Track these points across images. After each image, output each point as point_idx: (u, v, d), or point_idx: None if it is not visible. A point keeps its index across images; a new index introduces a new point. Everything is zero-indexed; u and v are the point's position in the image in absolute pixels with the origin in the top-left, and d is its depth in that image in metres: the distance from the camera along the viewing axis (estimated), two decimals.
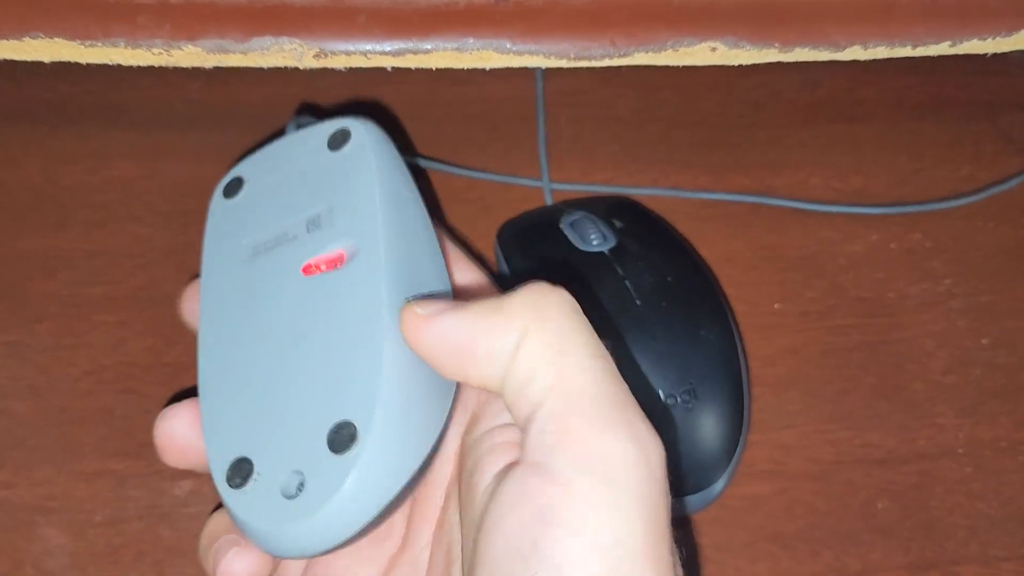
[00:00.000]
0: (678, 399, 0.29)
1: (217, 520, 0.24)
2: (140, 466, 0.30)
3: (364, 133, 0.24)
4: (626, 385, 0.20)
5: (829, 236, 0.37)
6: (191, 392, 0.24)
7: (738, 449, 0.30)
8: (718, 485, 0.29)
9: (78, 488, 0.29)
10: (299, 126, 0.27)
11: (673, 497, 0.29)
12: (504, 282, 0.30)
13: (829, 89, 0.41)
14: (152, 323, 0.32)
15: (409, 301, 0.21)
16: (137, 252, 0.34)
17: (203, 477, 0.30)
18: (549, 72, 0.37)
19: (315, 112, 0.36)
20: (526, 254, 0.32)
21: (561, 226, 0.32)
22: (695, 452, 0.29)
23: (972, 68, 0.41)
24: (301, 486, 0.20)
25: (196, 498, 0.30)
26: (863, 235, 0.37)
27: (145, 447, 0.30)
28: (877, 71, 0.41)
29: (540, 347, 0.19)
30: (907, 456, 0.32)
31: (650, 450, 0.19)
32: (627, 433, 0.19)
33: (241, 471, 0.21)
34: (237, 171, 0.27)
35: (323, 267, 0.23)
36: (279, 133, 0.28)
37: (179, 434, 0.23)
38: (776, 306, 0.35)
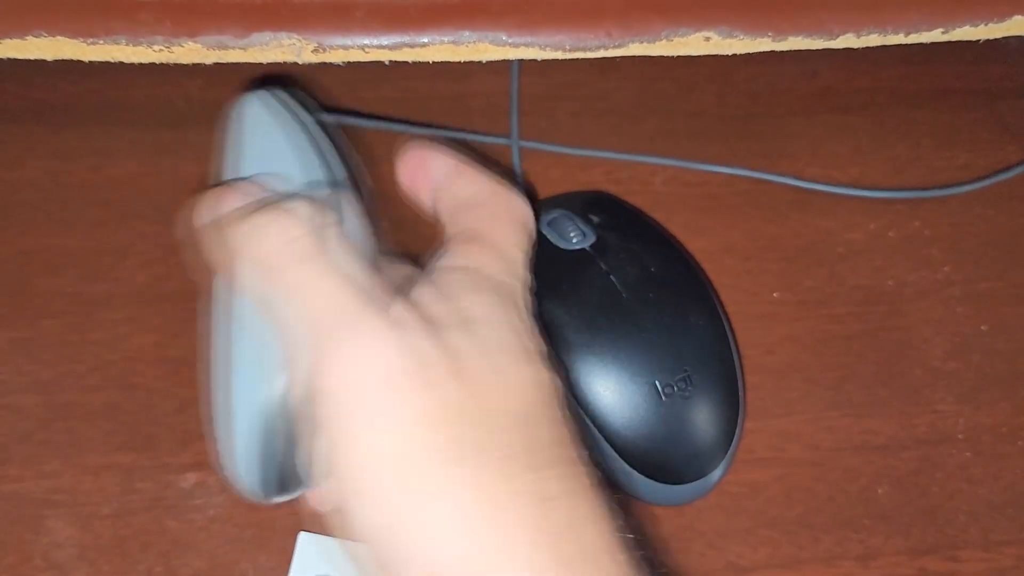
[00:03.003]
0: (675, 388, 0.29)
1: None
2: (146, 459, 0.30)
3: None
4: None
5: (827, 225, 0.37)
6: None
7: (736, 434, 0.30)
8: (717, 472, 0.30)
9: (85, 481, 0.30)
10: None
11: (674, 484, 0.29)
12: None
13: (827, 79, 0.41)
14: (156, 319, 0.33)
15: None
16: (141, 249, 0.34)
17: (209, 470, 0.30)
18: (546, 65, 0.37)
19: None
20: None
21: (540, 226, 0.32)
22: (695, 440, 0.29)
23: (969, 57, 0.41)
24: None
25: (201, 490, 0.30)
26: (861, 224, 0.37)
27: (151, 440, 0.31)
28: (874, 60, 0.41)
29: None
30: (907, 442, 0.32)
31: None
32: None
33: None
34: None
35: None
36: None
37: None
38: (775, 295, 0.35)
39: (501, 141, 0.37)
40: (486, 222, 0.24)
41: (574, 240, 0.31)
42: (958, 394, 0.34)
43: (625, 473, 0.29)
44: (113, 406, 0.31)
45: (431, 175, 0.25)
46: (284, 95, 0.28)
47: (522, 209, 0.25)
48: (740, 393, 0.30)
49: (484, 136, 0.37)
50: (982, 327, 0.35)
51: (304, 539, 0.29)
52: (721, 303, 0.32)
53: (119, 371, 0.32)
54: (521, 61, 0.37)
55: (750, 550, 0.30)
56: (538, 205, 0.34)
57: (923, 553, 0.30)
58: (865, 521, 0.31)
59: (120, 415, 0.31)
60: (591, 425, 0.29)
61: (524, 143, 0.37)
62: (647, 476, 0.29)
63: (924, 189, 0.38)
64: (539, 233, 0.31)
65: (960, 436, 0.33)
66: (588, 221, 0.32)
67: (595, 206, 0.33)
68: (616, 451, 0.29)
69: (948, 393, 0.34)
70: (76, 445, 0.30)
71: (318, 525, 0.29)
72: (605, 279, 0.30)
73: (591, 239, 0.31)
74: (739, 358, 0.31)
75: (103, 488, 0.30)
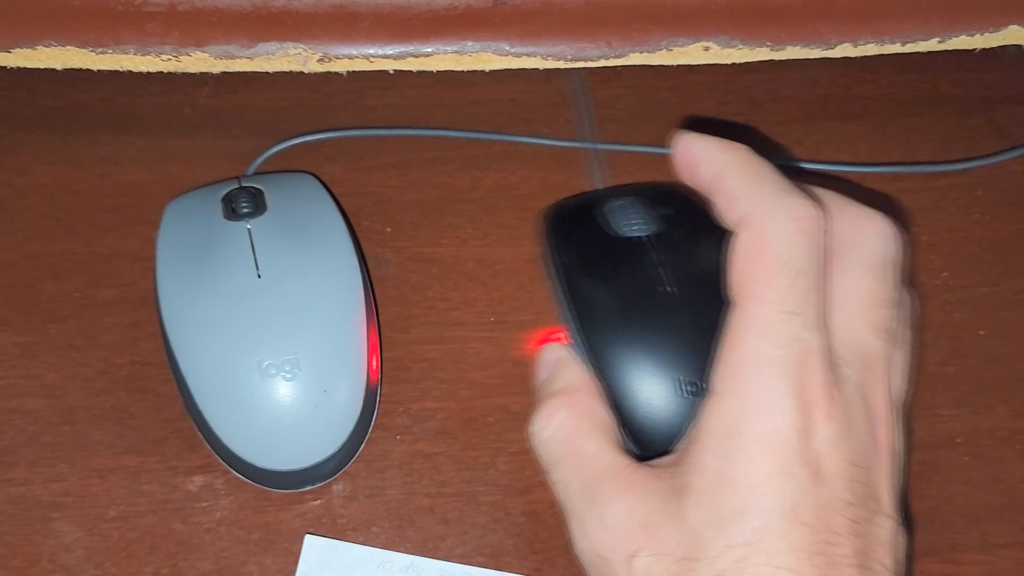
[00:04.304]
0: (700, 387, 0.29)
1: None
2: (153, 462, 0.31)
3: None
4: None
5: None
6: None
7: None
8: None
9: (92, 484, 0.30)
10: None
11: None
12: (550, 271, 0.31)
13: (826, 87, 0.41)
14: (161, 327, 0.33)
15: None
16: (148, 255, 0.34)
17: (215, 472, 0.30)
18: (550, 74, 0.38)
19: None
20: (566, 235, 0.32)
21: (605, 210, 0.32)
22: None
23: (967, 65, 0.42)
24: None
25: (208, 492, 0.30)
26: None
27: (158, 443, 0.31)
28: (873, 69, 0.41)
29: None
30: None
31: None
32: None
33: None
34: None
35: None
36: None
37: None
38: None
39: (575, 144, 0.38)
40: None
41: (634, 227, 0.31)
42: (956, 398, 0.34)
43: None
44: (120, 410, 0.32)
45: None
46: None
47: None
48: None
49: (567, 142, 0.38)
50: (980, 332, 0.35)
51: (310, 542, 0.29)
52: None
53: (126, 375, 0.32)
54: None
55: None
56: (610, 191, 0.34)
57: (922, 556, 0.31)
58: None
59: (127, 419, 0.31)
60: (614, 407, 0.29)
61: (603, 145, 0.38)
62: None
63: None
64: (602, 216, 0.32)
65: (958, 440, 0.33)
66: (654, 212, 0.32)
67: (668, 200, 0.33)
68: (634, 442, 0.29)
69: (946, 397, 0.34)
70: (83, 448, 0.31)
71: (324, 527, 0.30)
72: (654, 270, 0.30)
73: (651, 229, 0.31)
74: None
75: (110, 491, 0.30)
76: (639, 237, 0.31)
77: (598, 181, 0.37)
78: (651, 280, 0.30)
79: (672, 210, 0.32)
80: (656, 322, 0.30)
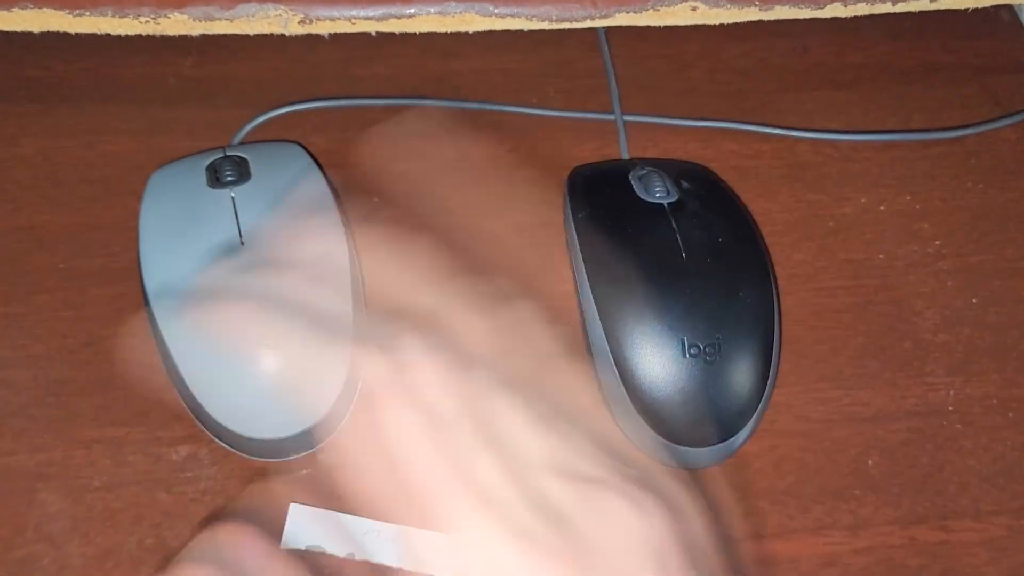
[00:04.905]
0: (702, 350, 0.29)
1: None
2: (137, 433, 0.30)
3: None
4: None
5: (818, 199, 0.37)
6: None
7: (758, 409, 0.30)
8: (725, 443, 0.30)
9: (77, 455, 0.30)
10: None
11: (684, 446, 0.29)
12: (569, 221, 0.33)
13: (818, 55, 0.41)
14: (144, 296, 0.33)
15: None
16: (133, 225, 0.34)
17: (200, 442, 0.30)
18: (538, 42, 0.37)
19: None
20: (590, 197, 0.34)
21: (629, 177, 0.33)
22: (711, 405, 0.29)
23: (959, 32, 0.41)
24: None
25: (192, 463, 0.30)
26: (852, 198, 0.37)
27: (142, 414, 0.31)
28: (865, 36, 0.41)
29: None
30: (897, 414, 0.33)
31: None
32: None
33: None
34: None
35: None
36: None
37: None
38: None
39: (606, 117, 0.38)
40: None
41: (657, 195, 0.32)
42: (948, 366, 0.34)
43: (638, 428, 0.30)
44: (104, 381, 0.31)
45: None
46: None
47: None
48: (771, 376, 0.30)
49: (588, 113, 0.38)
50: (972, 300, 0.35)
51: (295, 510, 0.29)
52: (778, 288, 0.32)
53: (111, 346, 0.32)
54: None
55: (739, 520, 0.30)
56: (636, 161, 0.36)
57: (913, 523, 0.30)
58: (855, 491, 0.31)
59: (112, 390, 0.31)
60: (615, 368, 0.30)
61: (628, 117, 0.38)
62: (657, 431, 0.29)
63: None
64: (626, 182, 0.33)
65: (950, 408, 0.33)
66: (676, 184, 0.33)
67: (690, 175, 0.34)
68: (631, 401, 0.29)
69: (938, 365, 0.34)
70: (68, 419, 0.31)
71: (309, 497, 0.30)
72: (672, 236, 0.31)
73: (672, 198, 0.32)
74: (779, 342, 0.31)
75: (95, 461, 0.30)
76: (660, 204, 0.32)
77: (625, 151, 0.37)
78: (666, 244, 0.31)
79: (691, 184, 0.33)
80: (666, 284, 0.30)
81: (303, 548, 0.29)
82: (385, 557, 0.28)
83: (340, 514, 0.29)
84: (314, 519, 0.29)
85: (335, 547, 0.29)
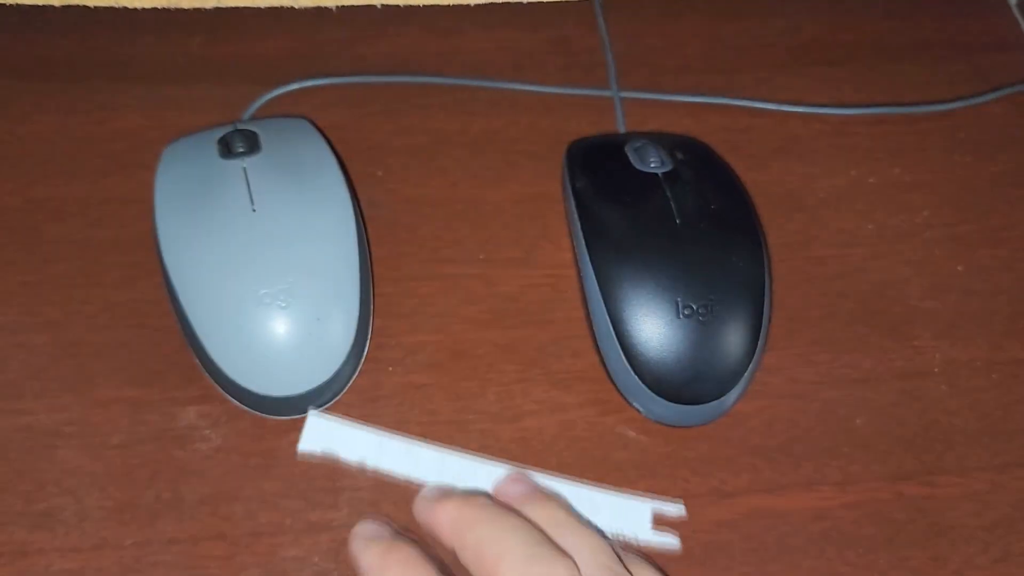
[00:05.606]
0: (695, 310, 0.30)
1: None
2: (153, 393, 0.32)
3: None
4: None
5: (810, 171, 0.38)
6: None
7: (749, 368, 0.31)
8: (715, 403, 0.31)
9: (94, 414, 0.31)
10: None
11: (678, 403, 0.30)
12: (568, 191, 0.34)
13: (810, 33, 0.42)
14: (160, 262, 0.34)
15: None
16: (145, 197, 0.35)
17: (212, 401, 0.31)
18: (536, 21, 0.38)
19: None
20: (588, 168, 0.35)
21: (625, 149, 0.35)
22: (704, 363, 0.31)
23: (950, 11, 0.42)
24: None
25: (207, 421, 0.31)
26: (843, 170, 0.38)
27: (158, 375, 0.32)
28: (857, 15, 0.42)
29: None
30: (885, 376, 0.34)
31: None
32: None
33: None
34: None
35: None
36: None
37: None
38: None
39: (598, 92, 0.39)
40: None
41: (652, 165, 0.34)
42: (935, 331, 0.35)
43: (635, 387, 0.31)
44: (121, 344, 0.32)
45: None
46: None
47: None
48: (762, 335, 0.31)
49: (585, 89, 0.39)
50: (959, 268, 0.36)
51: (314, 416, 0.30)
52: (769, 255, 0.33)
53: (126, 312, 0.33)
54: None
55: (733, 476, 0.31)
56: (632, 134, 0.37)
57: (900, 479, 0.32)
58: (844, 449, 0.32)
59: (127, 353, 0.32)
60: (612, 329, 0.31)
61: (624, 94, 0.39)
62: (652, 388, 0.30)
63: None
64: (622, 153, 0.34)
65: (936, 370, 0.34)
66: (671, 155, 0.34)
67: (685, 147, 0.35)
68: (627, 360, 0.30)
69: (925, 330, 0.35)
70: (85, 381, 0.32)
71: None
72: (666, 204, 0.32)
73: (666, 168, 0.33)
74: (770, 305, 0.32)
75: (112, 420, 0.31)
76: (655, 173, 0.33)
77: (622, 126, 0.38)
78: (661, 211, 0.32)
79: (686, 155, 0.34)
80: (664, 249, 0.31)
81: (319, 453, 0.30)
82: (397, 468, 0.30)
83: (356, 425, 0.30)
84: (330, 427, 0.30)
85: (349, 455, 0.30)
